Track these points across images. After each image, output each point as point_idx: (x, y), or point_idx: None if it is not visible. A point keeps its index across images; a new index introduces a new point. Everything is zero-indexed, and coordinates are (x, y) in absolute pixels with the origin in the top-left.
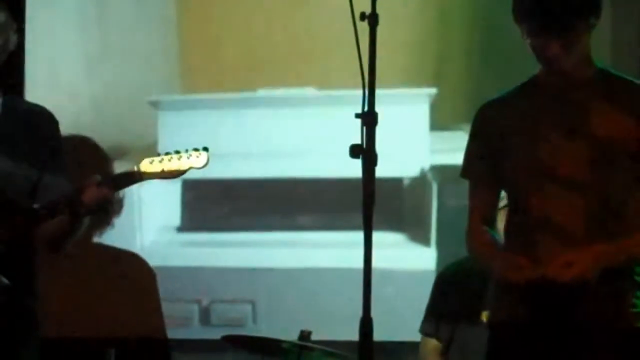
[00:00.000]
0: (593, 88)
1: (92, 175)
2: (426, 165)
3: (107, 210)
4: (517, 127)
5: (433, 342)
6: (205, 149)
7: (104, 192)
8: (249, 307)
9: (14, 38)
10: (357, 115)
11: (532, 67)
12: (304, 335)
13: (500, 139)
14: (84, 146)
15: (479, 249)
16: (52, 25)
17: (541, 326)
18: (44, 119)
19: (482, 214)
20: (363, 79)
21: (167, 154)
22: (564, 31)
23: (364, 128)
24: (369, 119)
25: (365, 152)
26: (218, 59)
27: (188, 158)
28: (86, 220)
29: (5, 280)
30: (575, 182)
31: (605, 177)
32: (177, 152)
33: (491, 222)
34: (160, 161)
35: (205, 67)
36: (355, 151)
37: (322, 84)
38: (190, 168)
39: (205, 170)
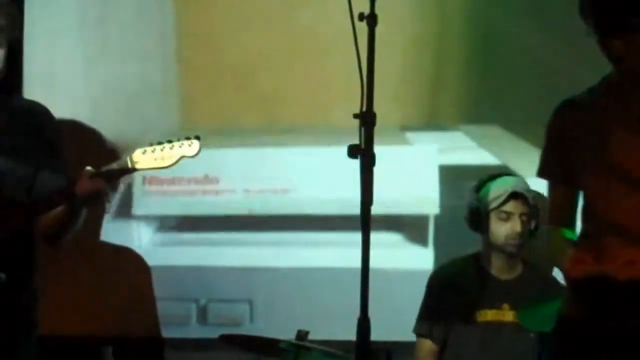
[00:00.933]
0: None
1: (84, 168)
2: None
3: (102, 201)
4: (592, 127)
5: (428, 343)
6: (197, 137)
7: (97, 185)
8: (246, 307)
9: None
10: (355, 116)
11: (531, 68)
12: (301, 335)
13: (575, 140)
14: (84, 132)
15: (554, 245)
16: (50, 25)
17: (605, 324)
18: (41, 115)
19: (559, 215)
20: (361, 78)
21: (159, 143)
22: (627, 30)
23: (362, 128)
24: (367, 118)
25: (363, 152)
26: (217, 59)
27: (180, 147)
28: (83, 213)
29: (2, 275)
30: None
31: None
32: (169, 141)
33: (570, 223)
34: (153, 151)
35: (204, 67)
36: (353, 151)
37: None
38: (182, 157)
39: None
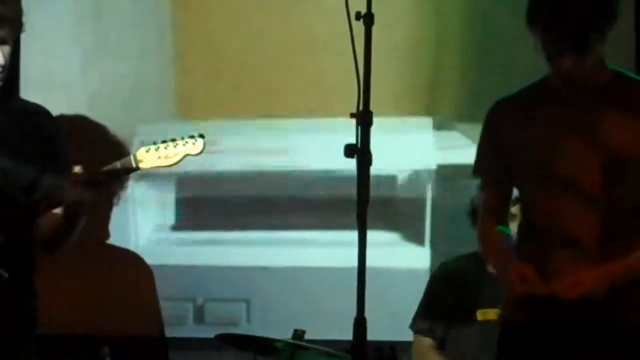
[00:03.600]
0: (607, 94)
1: (73, 171)
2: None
3: (90, 208)
4: (529, 130)
5: (427, 340)
6: (202, 135)
7: (80, 194)
8: (243, 306)
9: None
10: (352, 115)
11: (529, 67)
12: (298, 334)
13: (511, 140)
14: (89, 129)
15: (488, 249)
16: (47, 22)
17: (547, 330)
18: (41, 116)
19: (493, 212)
20: (358, 78)
21: (163, 141)
22: (577, 45)
23: (359, 127)
24: (363, 118)
25: (359, 151)
26: (214, 55)
27: (184, 145)
28: (82, 221)
29: (4, 273)
30: (588, 191)
31: (620, 186)
32: (173, 139)
33: (503, 220)
34: (157, 149)
35: (201, 62)
36: (349, 151)
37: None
38: (186, 155)
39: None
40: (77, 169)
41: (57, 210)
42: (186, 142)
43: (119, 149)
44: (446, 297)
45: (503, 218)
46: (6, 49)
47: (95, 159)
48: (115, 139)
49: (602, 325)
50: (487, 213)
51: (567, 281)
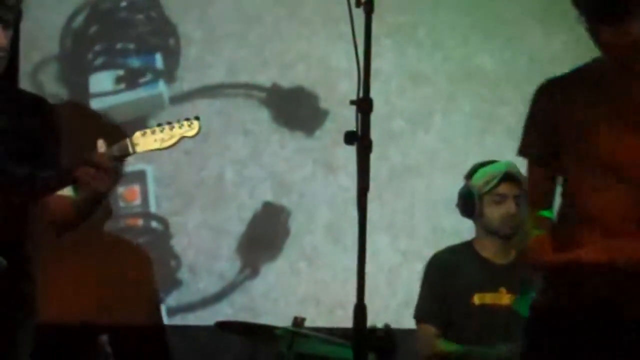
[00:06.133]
0: None
1: (90, 152)
2: None
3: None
4: (574, 113)
5: (430, 327)
6: (197, 117)
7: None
8: None
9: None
10: (352, 102)
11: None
12: (298, 322)
13: (559, 120)
14: (86, 114)
15: (530, 232)
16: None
17: (578, 314)
18: (41, 106)
19: (538, 195)
20: (358, 65)
21: (158, 125)
22: (615, 17)
23: (359, 115)
24: (363, 105)
25: (360, 139)
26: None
27: (180, 127)
28: (102, 202)
29: (3, 261)
30: (630, 177)
31: None
32: (169, 122)
33: (548, 203)
34: (153, 132)
35: None
36: (349, 138)
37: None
38: (183, 137)
39: None
40: (101, 143)
41: (66, 193)
42: (182, 124)
43: (115, 134)
44: (443, 283)
45: (548, 199)
46: (9, 33)
47: (91, 145)
48: (111, 124)
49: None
50: (532, 195)
51: (595, 246)
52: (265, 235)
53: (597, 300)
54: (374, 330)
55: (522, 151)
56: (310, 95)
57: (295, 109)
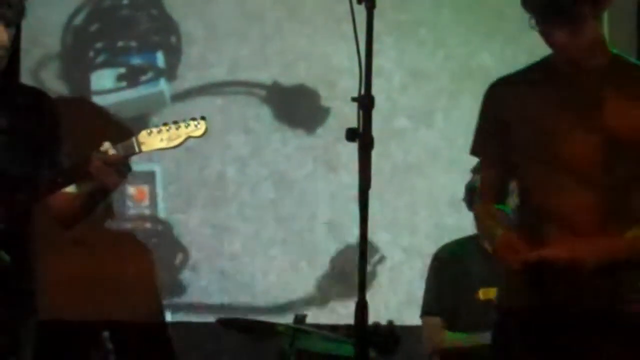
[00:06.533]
0: (606, 75)
1: (99, 149)
2: None
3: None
4: (527, 111)
5: (436, 320)
6: (203, 117)
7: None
8: None
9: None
10: (354, 99)
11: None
12: (299, 319)
13: (509, 121)
14: (88, 109)
15: (484, 222)
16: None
17: (544, 311)
18: (42, 101)
19: (491, 192)
20: (360, 61)
21: (164, 124)
22: (569, 18)
23: (361, 111)
24: (365, 102)
25: (361, 136)
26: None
27: (186, 127)
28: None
29: (6, 257)
30: (584, 173)
31: (615, 168)
32: (175, 122)
33: (500, 199)
34: (159, 132)
35: None
36: (351, 135)
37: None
38: (188, 137)
39: None
40: (107, 145)
41: (70, 189)
42: (188, 124)
43: (121, 132)
44: (449, 278)
45: (501, 197)
46: (11, 31)
47: (96, 141)
48: (117, 121)
49: (598, 310)
50: (485, 192)
51: (558, 245)
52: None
53: (560, 296)
54: (377, 327)
55: (475, 151)
56: (312, 93)
57: (296, 106)
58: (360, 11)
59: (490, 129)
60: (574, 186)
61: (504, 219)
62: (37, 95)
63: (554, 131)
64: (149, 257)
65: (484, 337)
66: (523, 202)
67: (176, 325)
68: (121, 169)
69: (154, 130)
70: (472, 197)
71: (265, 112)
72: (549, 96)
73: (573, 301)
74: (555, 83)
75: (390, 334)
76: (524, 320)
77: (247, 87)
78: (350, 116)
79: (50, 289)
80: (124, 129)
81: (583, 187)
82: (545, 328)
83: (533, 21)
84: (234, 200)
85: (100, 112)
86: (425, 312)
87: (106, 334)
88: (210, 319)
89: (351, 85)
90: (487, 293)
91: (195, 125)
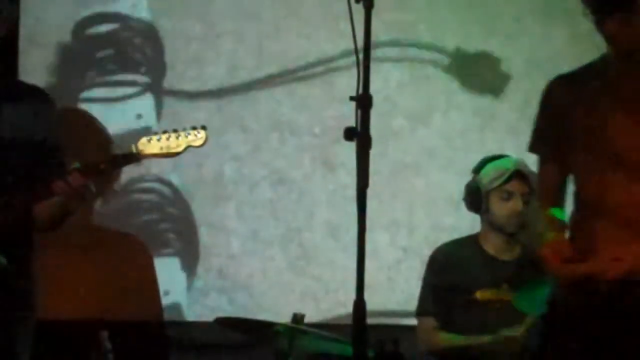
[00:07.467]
0: None
1: (73, 164)
2: None
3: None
4: (582, 106)
5: (430, 320)
6: (204, 127)
7: (76, 184)
8: None
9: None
10: (352, 98)
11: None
12: (297, 319)
13: (567, 115)
14: (81, 119)
15: (542, 229)
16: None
17: (593, 316)
18: (41, 99)
19: (548, 193)
20: (358, 61)
21: (164, 132)
22: (623, 7)
23: (359, 111)
24: (363, 101)
25: (359, 135)
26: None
27: (186, 136)
28: (78, 208)
29: (3, 259)
30: (638, 167)
31: None
32: (175, 130)
33: (559, 201)
34: (158, 140)
35: None
36: (349, 134)
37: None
38: (188, 147)
39: None
40: (76, 164)
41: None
42: (188, 132)
43: (107, 147)
44: (446, 278)
45: (560, 196)
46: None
47: (93, 149)
48: (105, 136)
49: None
50: (542, 193)
51: (607, 257)
52: None
53: (611, 295)
54: (382, 344)
55: (533, 148)
56: (310, 92)
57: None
58: (359, 10)
59: (548, 126)
60: (628, 181)
61: (560, 228)
62: (33, 91)
63: (608, 126)
64: (148, 256)
65: (480, 339)
66: (578, 198)
67: (174, 324)
68: (82, 191)
69: (154, 137)
70: (473, 197)
71: (263, 111)
72: (603, 91)
73: (626, 293)
74: (609, 78)
75: (395, 352)
76: (576, 319)
77: (245, 86)
78: (348, 116)
79: (48, 288)
80: (110, 145)
81: (636, 182)
82: (597, 327)
83: (588, 11)
84: (232, 200)
85: (92, 122)
86: (420, 312)
87: (105, 333)
88: (209, 318)
89: (349, 85)
90: (484, 294)
91: (196, 135)
